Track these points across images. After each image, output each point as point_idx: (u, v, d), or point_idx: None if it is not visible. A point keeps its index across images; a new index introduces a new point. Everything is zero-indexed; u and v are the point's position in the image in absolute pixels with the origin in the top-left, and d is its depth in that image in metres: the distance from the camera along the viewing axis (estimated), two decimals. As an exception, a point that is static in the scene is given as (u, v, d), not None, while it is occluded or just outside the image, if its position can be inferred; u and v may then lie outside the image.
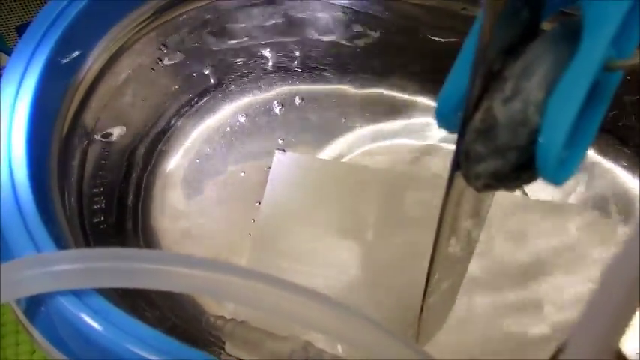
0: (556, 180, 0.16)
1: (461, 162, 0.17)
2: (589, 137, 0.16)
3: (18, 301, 0.20)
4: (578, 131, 0.15)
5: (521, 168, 0.16)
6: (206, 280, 0.18)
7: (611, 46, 0.15)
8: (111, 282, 0.18)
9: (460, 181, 0.18)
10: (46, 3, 0.24)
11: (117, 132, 0.30)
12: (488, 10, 0.14)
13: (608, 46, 0.15)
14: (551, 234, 0.30)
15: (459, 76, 0.16)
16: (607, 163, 0.32)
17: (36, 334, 0.20)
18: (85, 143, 0.27)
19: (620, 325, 0.11)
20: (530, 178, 0.16)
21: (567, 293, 0.29)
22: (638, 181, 0.32)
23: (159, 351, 0.17)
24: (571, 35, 0.15)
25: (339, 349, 0.25)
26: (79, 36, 0.25)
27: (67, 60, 0.24)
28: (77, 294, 0.18)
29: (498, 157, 0.16)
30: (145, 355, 0.17)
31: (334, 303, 0.18)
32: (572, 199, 0.32)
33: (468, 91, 0.16)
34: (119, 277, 0.18)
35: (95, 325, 0.18)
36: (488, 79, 0.16)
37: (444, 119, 0.17)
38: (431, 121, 0.34)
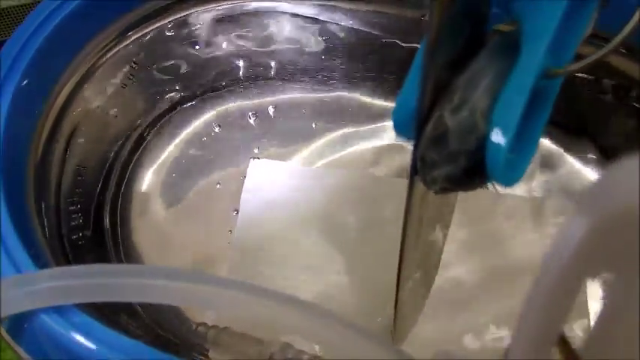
0: (506, 181, 0.17)
1: (418, 167, 0.18)
2: (535, 140, 0.17)
3: (1, 320, 0.20)
4: (524, 135, 0.17)
5: (473, 171, 0.17)
6: (187, 292, 0.19)
7: (549, 55, 0.16)
8: (93, 297, 0.19)
9: (421, 184, 0.19)
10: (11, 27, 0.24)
11: (91, 149, 0.30)
12: (433, 23, 0.15)
13: (545, 56, 0.16)
14: (522, 224, 0.32)
15: (412, 87, 0.17)
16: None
17: (21, 352, 0.20)
18: (61, 161, 0.28)
19: (560, 309, 0.12)
20: (483, 181, 0.17)
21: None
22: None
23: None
24: (511, 47, 0.16)
25: (317, 349, 0.26)
26: (46, 61, 0.25)
27: (37, 84, 0.25)
28: (59, 311, 0.19)
29: (450, 163, 0.17)
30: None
31: (310, 306, 0.19)
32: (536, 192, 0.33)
33: (419, 102, 0.17)
34: (101, 293, 0.19)
35: (80, 340, 0.18)
36: (438, 90, 0.17)
37: (400, 127, 0.18)
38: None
